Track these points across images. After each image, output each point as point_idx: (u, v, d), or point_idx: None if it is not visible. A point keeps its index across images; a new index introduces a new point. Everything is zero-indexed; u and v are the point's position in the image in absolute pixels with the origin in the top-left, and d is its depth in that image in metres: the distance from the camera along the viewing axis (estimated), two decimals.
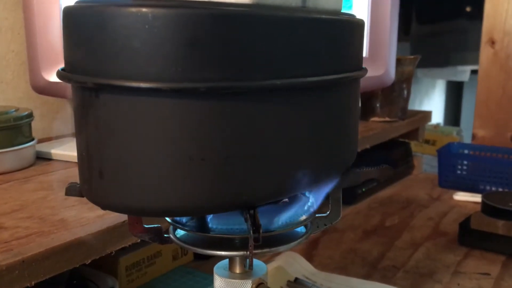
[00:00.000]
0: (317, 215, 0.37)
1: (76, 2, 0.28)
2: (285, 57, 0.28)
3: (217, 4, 0.27)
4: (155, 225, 0.37)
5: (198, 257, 0.69)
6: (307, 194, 0.37)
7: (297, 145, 0.30)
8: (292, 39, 0.29)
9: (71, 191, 0.33)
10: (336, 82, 0.32)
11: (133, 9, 0.25)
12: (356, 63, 0.35)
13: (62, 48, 0.75)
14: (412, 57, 1.00)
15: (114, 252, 0.46)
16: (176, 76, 0.26)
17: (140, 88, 0.26)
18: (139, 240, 0.49)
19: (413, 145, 1.16)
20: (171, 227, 0.36)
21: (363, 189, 0.94)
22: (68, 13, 0.28)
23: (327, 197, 0.37)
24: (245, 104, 0.27)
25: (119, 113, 0.26)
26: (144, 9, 0.25)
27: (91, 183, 0.29)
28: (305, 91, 0.30)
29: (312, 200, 0.36)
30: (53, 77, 0.73)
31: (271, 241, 0.34)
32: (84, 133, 0.28)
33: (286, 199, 0.36)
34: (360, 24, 0.35)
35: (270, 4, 0.29)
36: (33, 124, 0.69)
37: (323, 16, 0.31)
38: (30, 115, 0.67)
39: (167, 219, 0.35)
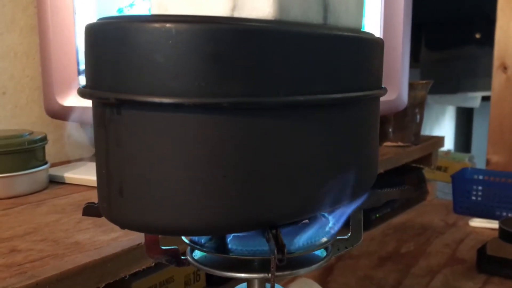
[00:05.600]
0: (337, 237, 0.36)
1: (98, 19, 0.28)
2: (307, 73, 0.28)
3: (240, 20, 0.27)
4: (173, 247, 0.36)
5: (210, 283, 0.67)
6: (327, 215, 0.36)
7: (320, 163, 0.29)
8: (313, 55, 0.28)
9: (88, 211, 0.32)
10: (358, 99, 0.32)
11: (157, 25, 0.25)
12: (376, 81, 0.34)
13: (76, 73, 0.75)
14: (424, 82, 1.00)
15: (128, 276, 0.46)
16: (199, 91, 0.25)
17: (163, 104, 0.25)
18: (153, 264, 0.48)
19: (425, 172, 1.14)
20: (188, 249, 0.35)
21: (377, 215, 0.92)
22: (90, 29, 0.28)
23: (348, 219, 0.37)
24: (268, 120, 0.27)
25: (141, 129, 0.26)
26: (168, 25, 0.25)
27: (110, 201, 0.28)
28: (327, 108, 0.29)
29: (332, 221, 0.36)
30: (67, 102, 0.73)
31: (292, 263, 0.33)
32: (104, 150, 0.28)
33: (306, 220, 0.35)
34: (379, 43, 0.35)
35: (292, 21, 0.29)
36: (46, 148, 0.69)
37: (344, 33, 0.31)
38: (44, 139, 0.67)
39: (185, 239, 0.34)
